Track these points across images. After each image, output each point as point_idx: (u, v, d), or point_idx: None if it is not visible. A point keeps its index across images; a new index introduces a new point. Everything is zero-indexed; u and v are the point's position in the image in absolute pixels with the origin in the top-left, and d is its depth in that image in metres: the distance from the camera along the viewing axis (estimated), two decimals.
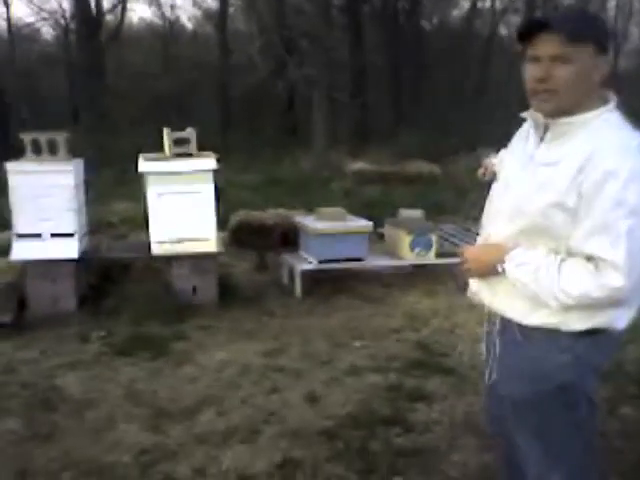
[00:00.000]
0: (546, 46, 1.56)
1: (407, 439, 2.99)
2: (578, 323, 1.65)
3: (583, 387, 1.73)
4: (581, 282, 1.56)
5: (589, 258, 1.56)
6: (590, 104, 1.61)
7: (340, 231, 5.19)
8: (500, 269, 1.69)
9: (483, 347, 1.93)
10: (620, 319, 1.67)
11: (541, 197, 1.61)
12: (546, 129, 1.66)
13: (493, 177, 2.31)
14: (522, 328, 1.73)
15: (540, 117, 1.67)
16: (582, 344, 1.67)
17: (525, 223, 1.65)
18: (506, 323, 1.78)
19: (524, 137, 1.79)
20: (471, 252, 1.81)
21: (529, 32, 1.59)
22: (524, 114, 1.76)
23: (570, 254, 1.61)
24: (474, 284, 1.87)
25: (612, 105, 1.63)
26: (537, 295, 1.63)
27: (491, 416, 2.03)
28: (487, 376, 1.87)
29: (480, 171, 2.39)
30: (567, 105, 1.60)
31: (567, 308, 1.62)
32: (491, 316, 1.84)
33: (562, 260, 1.60)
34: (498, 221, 1.77)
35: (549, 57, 1.56)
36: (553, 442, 1.76)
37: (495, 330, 1.82)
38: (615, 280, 1.52)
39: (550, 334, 1.68)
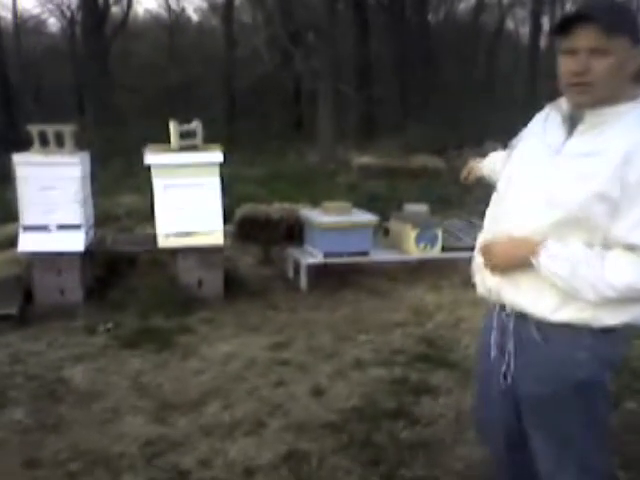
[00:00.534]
0: (584, 38, 1.55)
1: (412, 432, 3.00)
2: (609, 318, 1.62)
3: (602, 384, 1.72)
4: (627, 273, 1.53)
5: (632, 249, 1.54)
6: (624, 95, 1.60)
7: (345, 225, 5.19)
8: (535, 262, 1.63)
9: (487, 346, 1.86)
10: None
11: (582, 188, 1.57)
12: (577, 121, 1.64)
13: (475, 180, 2.31)
14: (541, 325, 1.69)
15: (570, 109, 1.65)
16: (603, 341, 1.65)
17: (561, 215, 1.60)
18: (522, 320, 1.73)
19: (539, 130, 1.75)
20: (498, 246, 1.72)
21: (567, 24, 1.57)
22: (550, 105, 1.74)
23: (606, 246, 1.58)
24: (489, 281, 1.79)
25: None
26: (575, 289, 1.59)
27: (490, 420, 1.96)
28: (501, 378, 1.80)
29: (463, 174, 2.36)
30: (605, 96, 1.58)
31: (602, 302, 1.59)
32: (506, 313, 1.77)
33: (602, 252, 1.57)
34: (520, 216, 1.70)
35: (588, 49, 1.55)
36: (569, 441, 1.75)
37: (510, 328, 1.76)
38: None
39: (573, 332, 1.65)
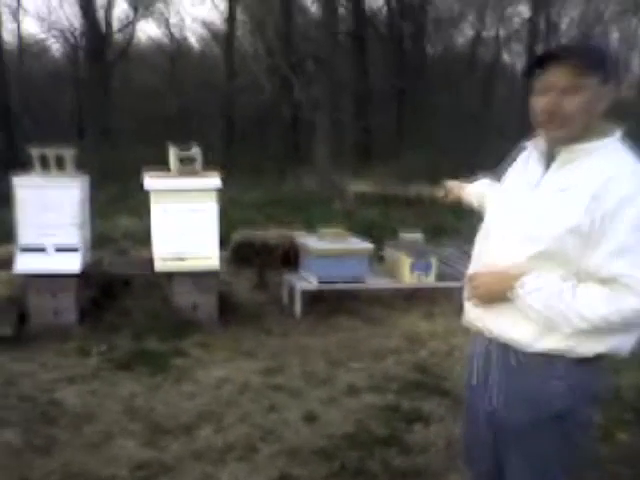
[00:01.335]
0: (557, 77, 1.60)
1: (404, 460, 3.01)
2: (585, 349, 1.66)
3: (578, 416, 1.73)
4: (598, 306, 1.57)
5: (603, 282, 1.58)
6: (596, 132, 1.65)
7: (341, 252, 5.23)
8: (511, 296, 1.69)
9: (473, 373, 1.89)
10: (627, 345, 1.68)
11: (556, 222, 1.62)
12: (553, 157, 1.69)
13: (455, 201, 2.35)
14: (519, 355, 1.73)
15: (546, 146, 1.71)
16: (578, 372, 1.69)
17: (538, 249, 1.65)
18: (502, 348, 1.77)
19: (521, 167, 1.81)
20: (481, 278, 1.78)
21: (539, 64, 1.63)
22: (528, 143, 1.80)
23: (580, 279, 1.62)
24: (473, 311, 1.85)
25: (618, 134, 1.67)
26: (550, 321, 1.64)
27: (476, 444, 1.97)
28: (486, 402, 1.84)
29: (441, 192, 2.40)
30: (576, 133, 1.63)
31: (577, 333, 1.63)
32: (490, 341, 1.81)
33: (575, 285, 1.61)
34: (500, 250, 1.75)
35: (559, 88, 1.60)
36: (545, 470, 1.76)
37: (494, 356, 1.80)
38: (635, 303, 1.54)
39: (547, 361, 1.69)
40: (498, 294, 1.73)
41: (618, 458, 3.03)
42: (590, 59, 1.61)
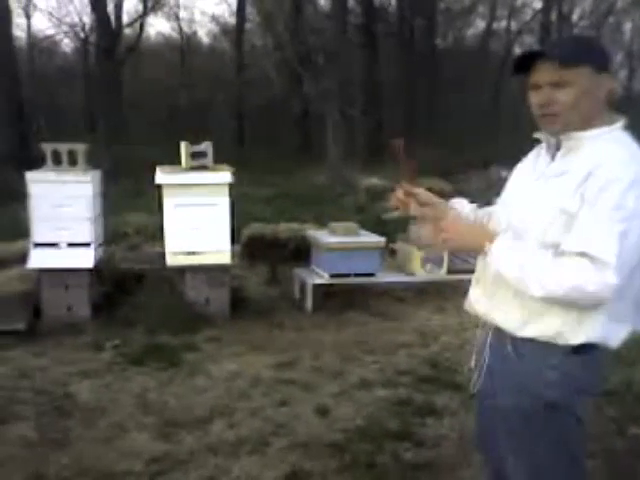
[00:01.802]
0: (543, 74, 1.66)
1: (416, 454, 3.01)
2: (572, 336, 1.67)
3: (570, 406, 1.73)
4: (574, 274, 1.57)
5: (582, 255, 1.58)
6: (599, 121, 1.68)
7: (352, 246, 5.23)
8: (487, 250, 1.70)
9: (473, 358, 1.93)
10: (615, 337, 1.69)
11: (549, 204, 1.66)
12: (558, 147, 1.73)
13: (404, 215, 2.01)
14: (514, 341, 1.75)
15: (550, 137, 1.74)
16: (571, 362, 1.69)
17: (531, 229, 1.68)
18: (499, 335, 1.79)
19: (533, 159, 1.85)
20: (454, 225, 1.80)
21: (527, 63, 1.68)
22: (537, 134, 1.81)
23: (559, 254, 1.63)
24: (473, 294, 1.88)
25: (620, 124, 1.70)
26: (522, 282, 1.63)
27: (480, 428, 2.02)
28: (472, 385, 1.89)
29: (392, 203, 1.97)
30: (575, 123, 1.67)
31: (548, 301, 1.63)
32: (486, 326, 1.85)
33: (550, 254, 1.62)
34: (506, 235, 1.75)
35: (548, 83, 1.65)
36: (537, 459, 1.77)
37: (487, 341, 1.83)
38: (610, 277, 1.54)
39: (541, 349, 1.70)
40: (467, 245, 1.78)
41: (630, 451, 3.02)
42: (577, 52, 1.65)
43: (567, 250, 1.60)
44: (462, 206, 1.99)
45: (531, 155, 1.88)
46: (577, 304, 1.62)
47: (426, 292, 5.62)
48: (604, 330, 1.67)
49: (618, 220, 1.55)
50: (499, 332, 1.79)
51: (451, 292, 5.44)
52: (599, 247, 1.55)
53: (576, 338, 1.67)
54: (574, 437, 1.78)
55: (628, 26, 25.36)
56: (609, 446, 3.03)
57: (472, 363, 1.92)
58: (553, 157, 1.74)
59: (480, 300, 1.84)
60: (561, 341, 1.68)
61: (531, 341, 1.72)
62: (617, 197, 1.56)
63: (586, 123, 1.67)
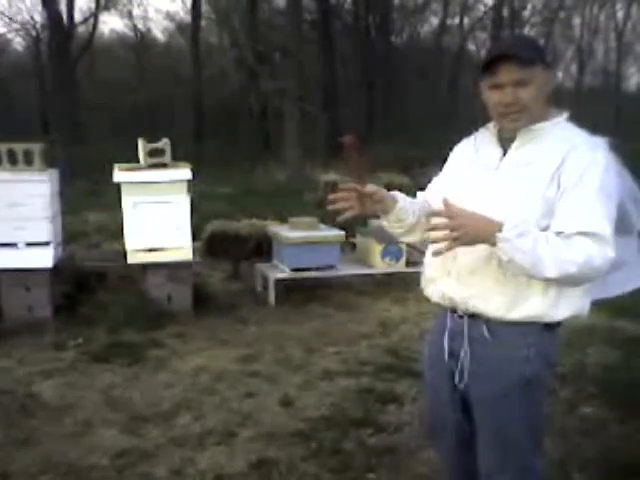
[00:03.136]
0: (508, 73, 1.75)
1: (379, 439, 3.10)
2: (558, 313, 1.77)
3: (543, 379, 1.86)
4: (584, 249, 1.65)
5: (583, 235, 1.67)
6: (547, 113, 1.82)
7: (312, 240, 5.30)
8: (499, 238, 1.63)
9: (443, 350, 1.92)
10: (586, 308, 1.82)
11: (524, 190, 1.74)
12: (510, 140, 1.82)
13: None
14: (491, 325, 1.81)
15: (502, 131, 1.84)
16: (544, 338, 1.80)
17: (511, 216, 1.69)
18: (473, 322, 1.84)
19: (471, 155, 1.91)
20: (465, 218, 1.65)
21: (491, 63, 1.77)
22: (483, 129, 1.92)
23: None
24: (445, 285, 1.85)
25: (566, 115, 1.84)
26: (536, 265, 1.64)
27: (442, 422, 2.03)
28: (457, 378, 1.89)
29: (339, 206, 1.88)
30: (534, 118, 1.79)
31: (555, 296, 1.73)
32: (458, 315, 1.87)
33: (557, 234, 1.69)
34: None
35: (512, 82, 1.75)
36: (512, 440, 1.85)
37: (465, 330, 1.85)
38: (610, 251, 1.66)
39: (521, 329, 1.78)
40: (482, 237, 1.66)
41: (582, 430, 3.16)
42: (531, 51, 1.77)
43: (566, 232, 1.68)
44: (402, 199, 1.95)
45: (464, 150, 1.96)
46: (586, 280, 1.72)
47: (386, 284, 5.74)
48: (581, 303, 1.80)
49: (604, 199, 1.68)
50: (473, 318, 1.84)
51: (410, 283, 5.55)
52: (597, 226, 1.66)
53: (561, 315, 1.78)
54: (541, 409, 1.89)
55: (577, 21, 26.04)
56: (560, 424, 3.18)
57: (445, 356, 1.91)
58: (505, 150, 1.82)
59: (456, 290, 1.85)
60: (547, 319, 1.78)
61: (509, 323, 1.79)
62: (599, 179, 1.69)
63: (541, 117, 1.79)
